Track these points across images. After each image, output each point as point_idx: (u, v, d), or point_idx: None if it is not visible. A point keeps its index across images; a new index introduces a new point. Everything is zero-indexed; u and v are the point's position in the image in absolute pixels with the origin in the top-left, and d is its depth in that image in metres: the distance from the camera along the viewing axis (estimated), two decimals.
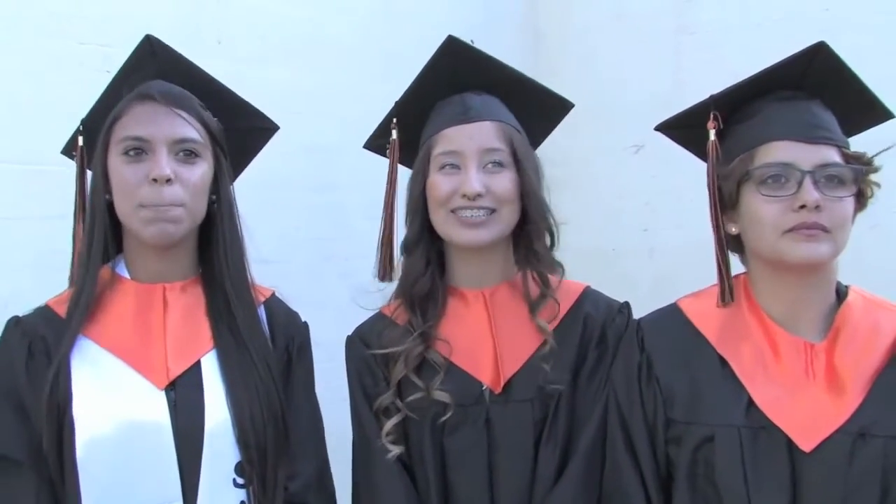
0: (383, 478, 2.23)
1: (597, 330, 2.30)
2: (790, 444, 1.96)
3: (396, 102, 2.39)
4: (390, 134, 2.38)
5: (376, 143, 2.46)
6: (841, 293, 2.10)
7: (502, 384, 2.24)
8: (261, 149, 2.37)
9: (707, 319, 2.12)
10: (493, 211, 2.23)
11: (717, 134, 2.07)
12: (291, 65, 3.32)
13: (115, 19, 2.19)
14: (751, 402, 2.01)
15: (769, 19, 3.63)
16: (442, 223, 2.27)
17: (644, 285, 3.81)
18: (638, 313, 2.29)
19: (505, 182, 2.24)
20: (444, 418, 2.21)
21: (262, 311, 2.24)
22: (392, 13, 3.73)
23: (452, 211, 2.24)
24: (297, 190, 3.34)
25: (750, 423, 1.99)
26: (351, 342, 2.37)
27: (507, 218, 2.26)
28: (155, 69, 2.18)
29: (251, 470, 2.06)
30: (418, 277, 2.30)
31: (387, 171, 2.40)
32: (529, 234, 2.29)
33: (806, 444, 1.95)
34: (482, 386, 2.24)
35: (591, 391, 2.25)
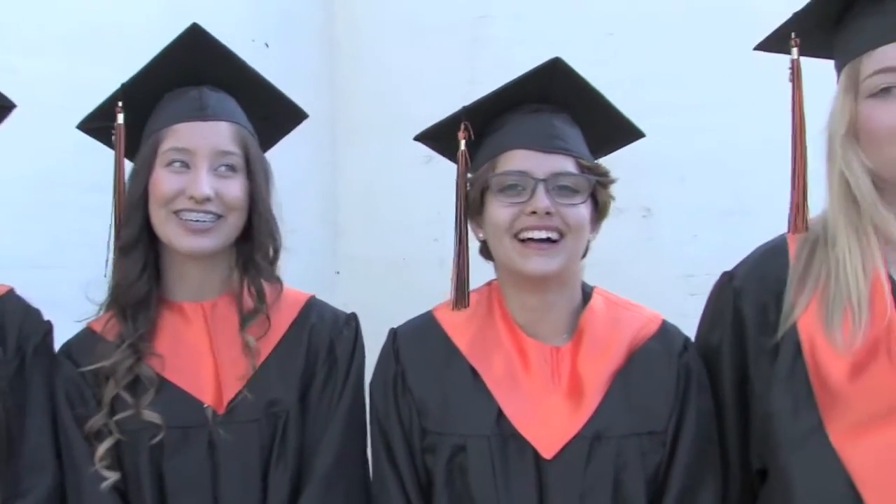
0: None
1: (324, 343, 2.24)
2: (535, 451, 2.06)
3: (122, 84, 2.23)
4: (114, 119, 2.21)
5: (92, 125, 2.28)
6: (587, 295, 2.21)
7: (225, 404, 2.14)
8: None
9: (460, 329, 2.19)
10: (219, 217, 2.14)
11: (470, 144, 2.16)
12: (70, 57, 3.12)
13: None
14: (501, 412, 2.08)
15: (559, 39, 3.77)
16: (162, 224, 2.15)
17: (434, 295, 3.84)
18: None
19: (236, 188, 2.16)
20: (155, 440, 2.08)
21: None
22: (183, 11, 3.57)
23: (175, 212, 2.13)
24: (73, 190, 3.14)
25: (500, 432, 2.07)
26: (57, 361, 2.19)
27: (234, 225, 2.18)
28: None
29: None
30: (133, 282, 2.16)
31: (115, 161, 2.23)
32: (251, 245, 2.21)
33: (547, 451, 2.06)
34: (204, 406, 2.13)
35: (322, 409, 2.19)
